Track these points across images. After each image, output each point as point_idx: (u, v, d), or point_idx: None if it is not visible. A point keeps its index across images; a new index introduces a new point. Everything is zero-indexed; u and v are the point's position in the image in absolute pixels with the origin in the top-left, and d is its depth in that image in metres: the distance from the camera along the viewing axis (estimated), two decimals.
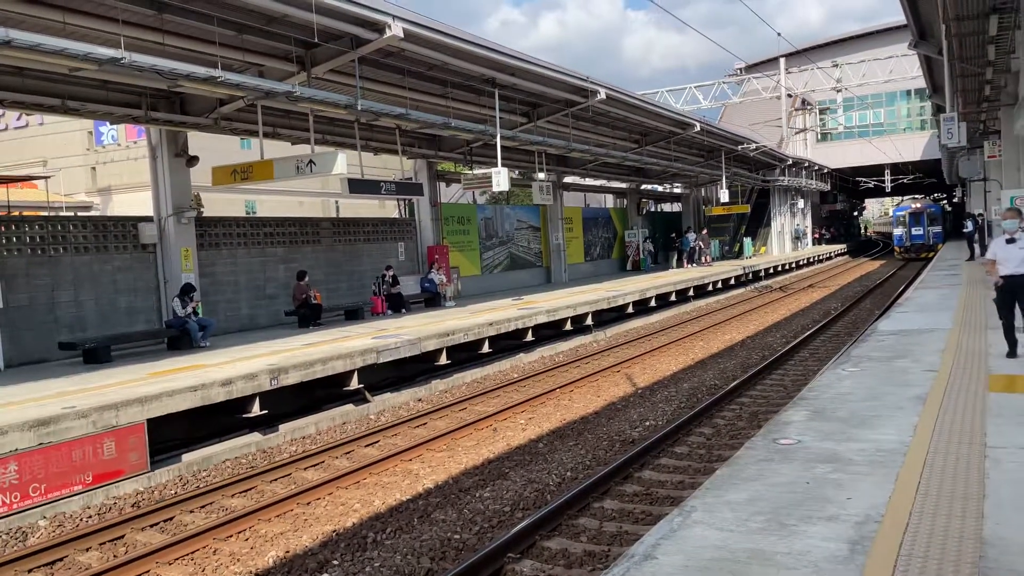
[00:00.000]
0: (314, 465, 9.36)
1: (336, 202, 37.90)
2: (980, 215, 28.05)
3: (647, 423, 10.58)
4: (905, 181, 53.04)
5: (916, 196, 56.49)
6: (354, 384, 11.76)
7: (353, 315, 17.44)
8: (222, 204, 28.27)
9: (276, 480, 8.83)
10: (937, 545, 3.94)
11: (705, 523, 4.50)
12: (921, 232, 42.16)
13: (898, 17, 15.96)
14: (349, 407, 11.85)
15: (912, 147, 46.65)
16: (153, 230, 14.71)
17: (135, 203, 29.32)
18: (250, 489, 8.55)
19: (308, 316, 16.09)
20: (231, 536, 7.15)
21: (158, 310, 14.84)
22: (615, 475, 8.04)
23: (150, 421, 8.83)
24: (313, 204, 37.90)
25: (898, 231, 43.93)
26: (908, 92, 47.52)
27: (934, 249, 39.80)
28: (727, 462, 5.84)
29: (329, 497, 8.12)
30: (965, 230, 29.72)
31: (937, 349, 9.66)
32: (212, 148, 20.52)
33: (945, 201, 64.74)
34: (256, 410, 10.17)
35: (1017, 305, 8.46)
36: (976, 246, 26.65)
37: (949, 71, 15.29)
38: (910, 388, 7.58)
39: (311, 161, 13.11)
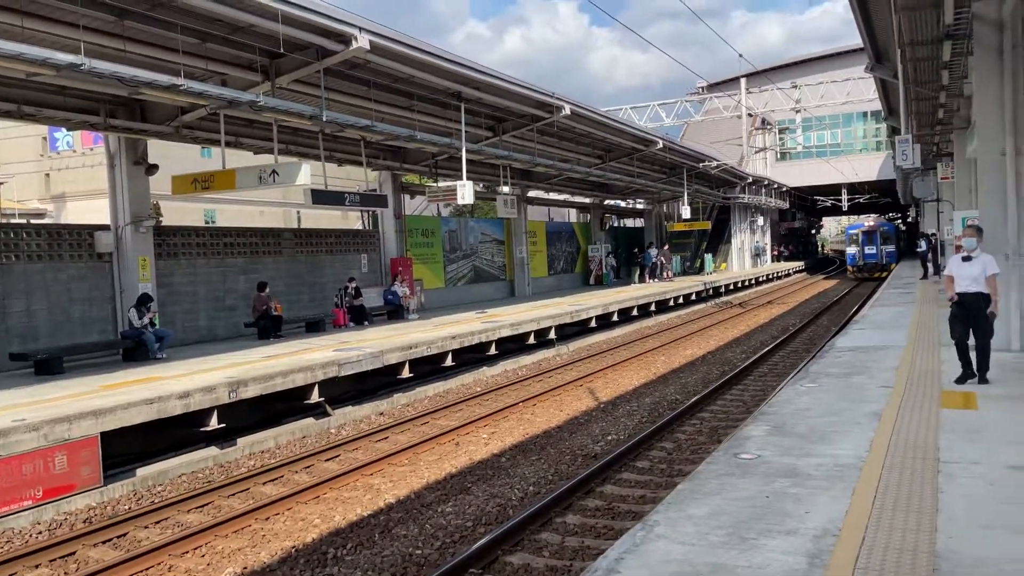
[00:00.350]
0: (273, 480, 9.22)
1: (298, 212, 37.59)
2: (933, 235, 28.81)
3: (609, 437, 10.62)
4: (861, 200, 54.26)
5: (870, 215, 57.20)
6: (315, 397, 11.62)
7: (315, 327, 17.26)
8: (180, 213, 27.87)
9: (234, 495, 8.67)
10: (892, 559, 4.01)
11: (668, 537, 4.53)
12: (874, 251, 41.14)
13: (856, 41, 16.38)
14: (309, 421, 11.70)
15: (868, 167, 47.78)
16: (110, 239, 14.40)
17: (90, 211, 28.73)
18: (207, 504, 8.38)
19: (268, 328, 15.88)
20: (187, 552, 7.00)
21: (114, 320, 14.51)
22: (577, 489, 8.05)
23: (104, 434, 8.61)
24: (275, 214, 37.53)
25: (851, 250, 42.60)
26: (865, 114, 48.67)
27: (887, 269, 39.39)
28: (688, 476, 5.89)
29: (288, 512, 8.00)
30: (919, 249, 30.52)
31: (892, 366, 9.87)
32: (172, 156, 20.23)
33: (900, 221, 66.22)
34: (214, 424, 9.99)
35: (972, 325, 8.41)
36: (930, 265, 27.37)
37: (904, 94, 15.71)
38: (866, 404, 7.74)
39: (274, 171, 12.98)
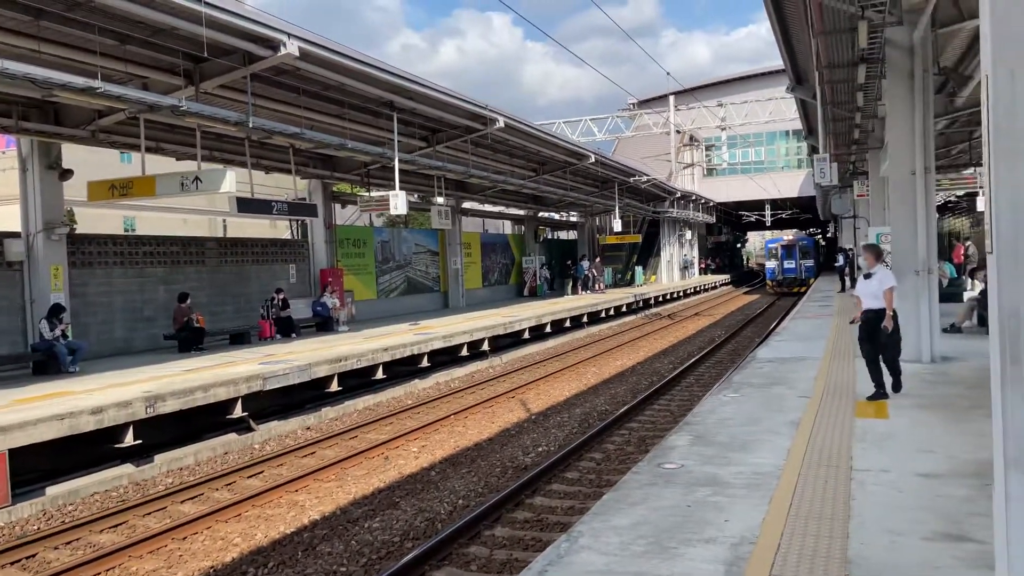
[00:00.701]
0: (192, 498, 8.91)
1: (224, 221, 36.64)
2: (850, 250, 30.01)
3: (540, 449, 10.65)
4: (784, 216, 56.12)
5: (791, 229, 58.47)
6: (238, 412, 11.30)
7: (239, 339, 16.82)
8: (96, 220, 26.81)
9: (150, 514, 8.34)
10: (806, 565, 4.12)
11: (591, 548, 4.55)
12: (793, 266, 41.01)
13: (779, 62, 16.95)
14: (232, 436, 11.37)
15: (790, 184, 49.46)
16: (20, 247, 13.75)
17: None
18: (121, 524, 8.04)
19: (189, 340, 15.40)
20: (98, 574, 6.69)
21: (23, 332, 13.84)
22: (507, 502, 8.03)
23: (12, 451, 8.20)
24: (199, 222, 36.48)
25: (770, 264, 42.54)
26: (787, 132, 50.37)
27: (806, 283, 39.46)
28: (614, 487, 5.94)
29: (207, 531, 7.73)
30: (836, 264, 31.73)
31: (810, 376, 10.19)
32: (89, 161, 19.49)
33: (820, 236, 68.64)
34: (130, 440, 9.60)
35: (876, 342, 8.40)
36: (847, 279, 28.47)
37: (822, 115, 16.33)
38: (785, 413, 7.96)
39: (197, 178, 12.62)
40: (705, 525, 4.83)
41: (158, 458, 10.15)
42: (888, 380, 8.54)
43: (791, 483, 5.56)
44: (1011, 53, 2.78)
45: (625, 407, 12.66)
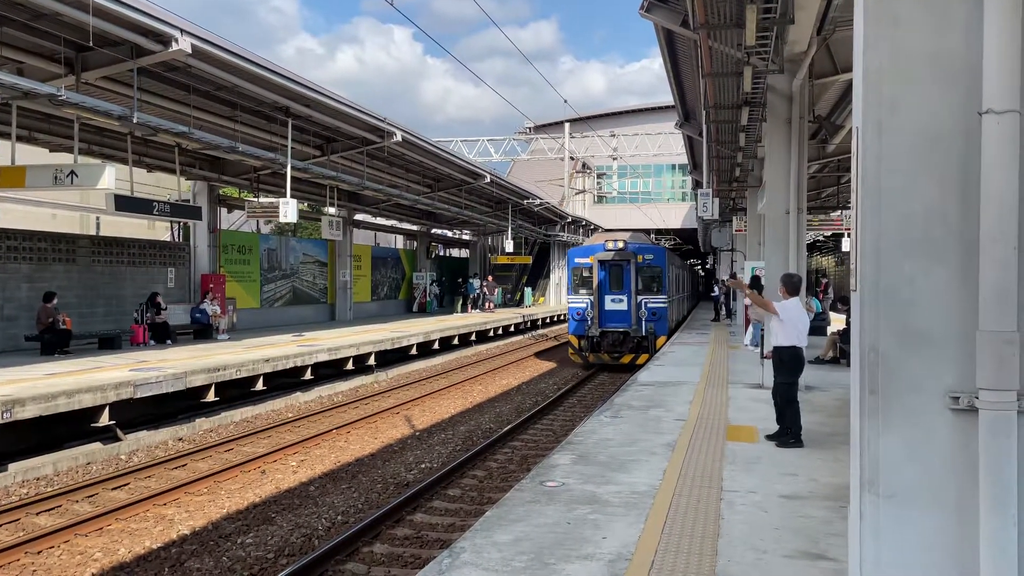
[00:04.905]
0: (49, 510, 8.34)
1: (97, 218, 34.57)
2: (725, 280, 31.63)
3: (423, 465, 10.59)
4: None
5: (626, 229, 27.14)
6: (105, 420, 10.66)
7: (109, 344, 15.87)
8: None
9: (1, 526, 7.74)
10: None
11: (473, 564, 4.59)
12: (624, 305, 20.54)
13: (670, 99, 17.72)
14: (96, 446, 10.71)
15: (675, 215, 51.57)
16: None
17: None
18: None
19: (54, 342, 14.42)
20: None
21: None
22: (387, 519, 7.95)
23: None
24: (70, 218, 34.23)
25: (576, 302, 20.96)
26: (673, 166, 52.59)
27: (646, 347, 20.25)
28: (497, 504, 6.01)
29: (65, 546, 7.26)
30: (713, 294, 33.32)
31: (687, 400, 10.64)
32: None
33: (699, 267, 71.50)
34: None
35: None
36: (723, 308, 29.91)
37: (707, 152, 17.21)
38: (662, 435, 8.28)
39: (73, 172, 11.93)
40: (584, 542, 4.96)
41: (12, 467, 9.44)
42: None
43: (666, 502, 5.80)
44: (878, 109, 3.06)
45: (509, 426, 12.79)
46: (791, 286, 8.14)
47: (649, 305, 20.31)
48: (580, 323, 20.64)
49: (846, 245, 30.91)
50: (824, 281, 30.63)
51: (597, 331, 20.36)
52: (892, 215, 3.05)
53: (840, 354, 14.53)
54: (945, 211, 3.01)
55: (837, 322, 18.34)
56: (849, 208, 25.19)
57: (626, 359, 20.30)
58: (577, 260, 21.20)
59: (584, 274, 20.86)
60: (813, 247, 40.42)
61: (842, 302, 19.09)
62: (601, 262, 20.58)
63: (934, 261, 3.01)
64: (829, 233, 32.67)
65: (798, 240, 11.57)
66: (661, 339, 20.29)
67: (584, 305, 20.59)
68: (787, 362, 7.85)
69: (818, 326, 18.55)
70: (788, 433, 7.79)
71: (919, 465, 3.02)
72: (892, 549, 3.04)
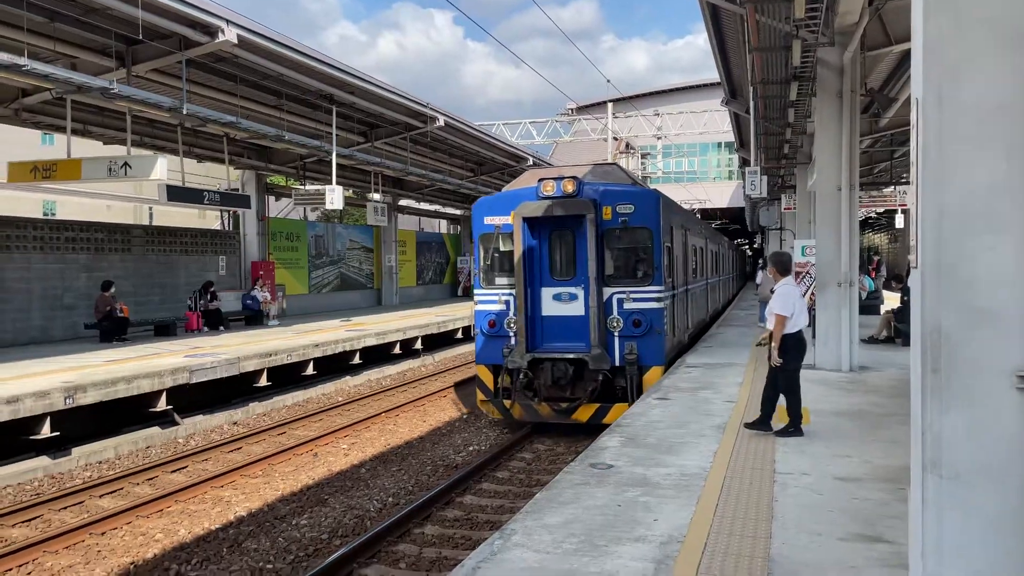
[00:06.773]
0: (111, 492, 8.63)
1: (150, 209, 35.45)
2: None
3: (471, 448, 10.67)
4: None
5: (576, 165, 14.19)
6: (162, 405, 10.97)
7: (164, 331, 16.31)
8: (10, 202, 25.54)
9: (66, 508, 8.05)
10: (731, 564, 4.27)
11: (524, 545, 4.61)
12: (577, 307, 11.07)
13: (715, 75, 17.39)
14: (155, 430, 11.04)
15: (721, 194, 50.76)
16: None
17: None
18: (35, 518, 7.74)
19: (112, 330, 14.86)
20: (10, 570, 6.42)
21: None
22: (437, 500, 8.04)
23: None
24: (124, 209, 35.16)
25: (487, 299, 11.80)
26: (719, 144, 51.70)
27: (621, 387, 11.01)
28: (546, 486, 6.02)
29: (127, 527, 7.51)
30: (756, 281, 32.71)
31: (736, 382, 10.50)
32: (7, 140, 18.61)
33: (747, 246, 70.24)
34: (46, 431, 9.23)
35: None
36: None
37: (755, 129, 16.85)
38: (712, 417, 8.19)
39: (126, 163, 12.23)
40: (635, 524, 4.94)
41: (76, 451, 9.78)
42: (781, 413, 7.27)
43: (717, 485, 5.74)
44: (939, 79, 2.95)
45: None
46: (781, 266, 7.51)
47: (628, 306, 10.99)
48: (494, 341, 11.51)
49: (899, 222, 30.04)
50: (876, 259, 29.87)
51: (524, 359, 10.87)
52: (954, 189, 2.95)
53: (895, 333, 14.18)
54: (1011, 184, 2.89)
55: (891, 300, 17.89)
56: (904, 183, 24.53)
57: (582, 414, 10.94)
58: (488, 219, 11.75)
59: (501, 247, 11.73)
60: (865, 224, 39.39)
61: (896, 280, 18.61)
62: (530, 221, 11.11)
63: (999, 236, 2.90)
64: (882, 210, 31.78)
65: (850, 217, 11.28)
66: (652, 372, 10.96)
67: (500, 307, 11.55)
68: (791, 349, 7.26)
69: (871, 304, 18.17)
70: (770, 419, 7.32)
71: (983, 445, 2.94)
72: (954, 531, 2.97)
